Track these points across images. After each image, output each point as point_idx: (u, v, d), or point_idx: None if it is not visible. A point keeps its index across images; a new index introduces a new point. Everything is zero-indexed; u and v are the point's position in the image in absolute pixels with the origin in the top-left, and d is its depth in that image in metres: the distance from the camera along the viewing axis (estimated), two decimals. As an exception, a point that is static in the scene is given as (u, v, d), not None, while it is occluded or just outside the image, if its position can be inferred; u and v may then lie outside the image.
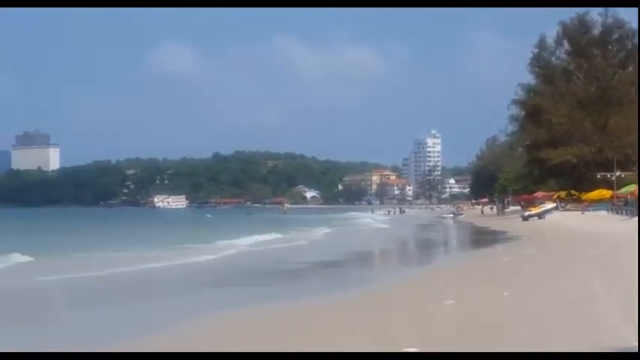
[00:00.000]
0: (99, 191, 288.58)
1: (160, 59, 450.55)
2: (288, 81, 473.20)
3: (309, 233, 62.09)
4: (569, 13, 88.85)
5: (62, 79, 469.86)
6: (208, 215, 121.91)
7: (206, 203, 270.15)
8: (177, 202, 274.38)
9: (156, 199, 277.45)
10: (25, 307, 20.67)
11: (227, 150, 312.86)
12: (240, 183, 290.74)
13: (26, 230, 69.02)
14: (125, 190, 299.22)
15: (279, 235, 55.70)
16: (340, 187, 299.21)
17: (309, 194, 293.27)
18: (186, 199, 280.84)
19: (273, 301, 20.10)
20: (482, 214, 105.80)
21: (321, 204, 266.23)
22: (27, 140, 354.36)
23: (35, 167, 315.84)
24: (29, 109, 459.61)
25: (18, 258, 32.19)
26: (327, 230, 67.37)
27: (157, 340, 14.22)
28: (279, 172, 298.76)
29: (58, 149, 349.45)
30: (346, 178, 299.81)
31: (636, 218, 46.70)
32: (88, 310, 20.11)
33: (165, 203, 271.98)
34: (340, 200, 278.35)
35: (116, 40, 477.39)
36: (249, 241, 47.80)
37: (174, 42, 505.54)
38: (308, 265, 32.09)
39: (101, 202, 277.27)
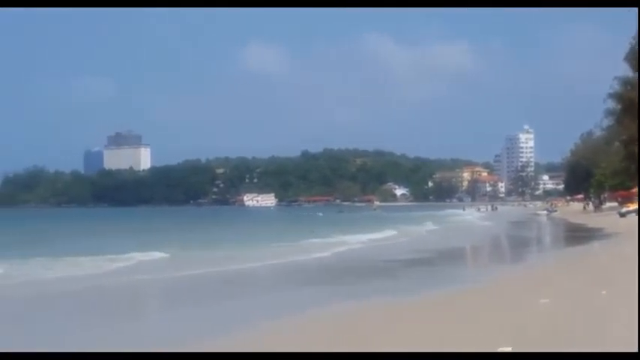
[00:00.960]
0: (189, 190, 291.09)
1: (249, 58, 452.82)
2: (377, 78, 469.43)
3: (415, 229, 64.45)
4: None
5: (153, 80, 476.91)
6: (320, 214, 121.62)
7: (295, 202, 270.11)
8: (266, 200, 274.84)
9: (245, 198, 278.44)
10: (165, 300, 22.91)
11: (316, 148, 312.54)
12: (328, 181, 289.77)
13: (140, 229, 70.87)
14: (215, 189, 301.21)
15: (393, 232, 57.66)
16: (430, 184, 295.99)
17: (398, 192, 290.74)
18: (275, 198, 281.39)
19: (386, 296, 20.75)
20: (584, 210, 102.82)
21: (410, 201, 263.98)
22: (119, 140, 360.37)
23: (127, 167, 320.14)
24: (121, 110, 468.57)
25: (157, 255, 35.80)
26: (432, 227, 69.26)
27: (249, 336, 14.57)
28: (369, 169, 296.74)
29: (149, 149, 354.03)
30: (436, 175, 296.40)
31: None
32: (215, 301, 21.39)
33: (255, 202, 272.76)
34: (430, 198, 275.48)
35: (205, 40, 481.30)
36: (364, 238, 49.38)
37: (262, 41, 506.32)
38: (422, 259, 34.12)
39: (191, 201, 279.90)
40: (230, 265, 30.75)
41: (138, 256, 34.21)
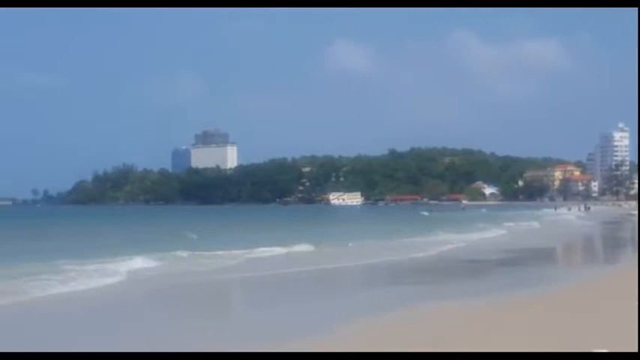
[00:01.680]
0: (275, 189, 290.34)
1: (335, 57, 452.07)
2: (465, 76, 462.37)
3: (521, 227, 64.55)
4: None
5: (240, 79, 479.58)
6: (425, 213, 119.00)
7: (381, 200, 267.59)
8: (352, 199, 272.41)
9: (331, 196, 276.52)
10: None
11: (403, 146, 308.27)
12: (416, 180, 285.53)
13: (262, 225, 75.43)
14: (301, 188, 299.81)
15: (502, 232, 56.54)
16: (520, 183, 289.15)
17: (487, 191, 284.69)
18: (361, 196, 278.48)
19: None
20: None
21: (499, 201, 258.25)
22: (206, 139, 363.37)
23: (214, 165, 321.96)
24: (209, 108, 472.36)
25: (304, 247, 38.01)
26: (537, 226, 68.32)
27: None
28: (457, 168, 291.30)
29: (235, 147, 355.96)
30: (527, 174, 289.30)
31: None
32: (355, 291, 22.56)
33: (341, 200, 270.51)
34: (520, 197, 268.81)
35: (292, 38, 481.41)
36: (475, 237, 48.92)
37: (350, 39, 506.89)
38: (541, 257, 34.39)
39: (277, 200, 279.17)
40: (372, 259, 32.12)
41: (290, 249, 36.71)
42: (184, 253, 33.12)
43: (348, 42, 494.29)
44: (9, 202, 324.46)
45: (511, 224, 67.41)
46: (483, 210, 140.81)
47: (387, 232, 53.43)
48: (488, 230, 56.98)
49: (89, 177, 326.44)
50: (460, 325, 14.77)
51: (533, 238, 47.92)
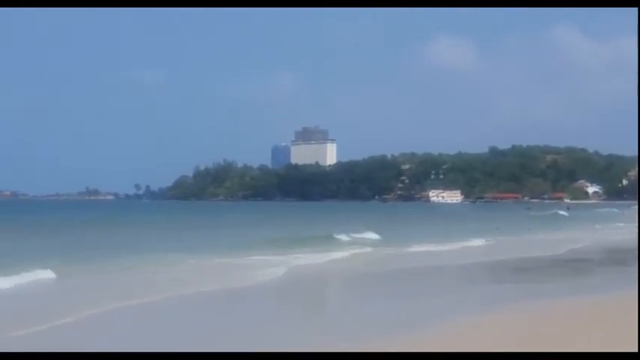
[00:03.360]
0: (374, 185, 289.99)
1: (435, 53, 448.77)
2: (567, 73, 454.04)
3: None
4: None
5: (339, 76, 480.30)
6: (562, 212, 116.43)
7: (481, 198, 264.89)
8: (452, 196, 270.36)
9: (431, 194, 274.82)
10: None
11: (504, 144, 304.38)
12: (517, 178, 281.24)
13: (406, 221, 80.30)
14: (399, 185, 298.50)
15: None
16: (625, 182, 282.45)
17: (590, 189, 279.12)
18: (461, 194, 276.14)
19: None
20: None
21: (602, 200, 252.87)
22: (306, 136, 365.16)
23: (313, 162, 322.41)
24: (308, 105, 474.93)
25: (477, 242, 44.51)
26: None
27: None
28: (559, 166, 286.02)
29: (334, 144, 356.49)
30: (632, 173, 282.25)
31: None
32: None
33: (440, 198, 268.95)
34: (624, 196, 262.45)
35: (392, 34, 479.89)
36: None
37: (450, 35, 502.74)
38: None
39: (376, 197, 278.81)
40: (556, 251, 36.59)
41: (471, 242, 42.72)
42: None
43: (451, 37, 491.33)
44: (111, 197, 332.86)
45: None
46: (615, 210, 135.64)
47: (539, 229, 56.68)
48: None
49: (190, 173, 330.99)
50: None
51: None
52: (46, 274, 24.01)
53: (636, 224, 58.12)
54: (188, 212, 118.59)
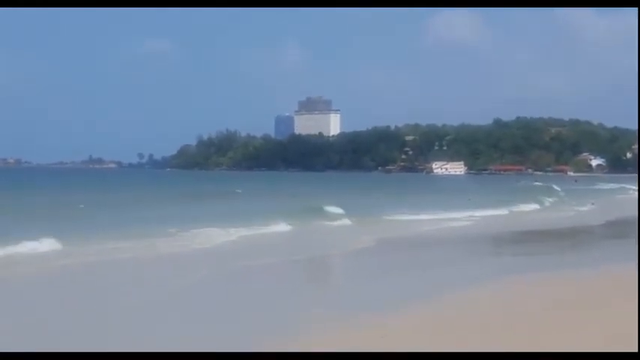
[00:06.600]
0: (377, 157, 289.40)
1: (441, 26, 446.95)
2: (572, 46, 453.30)
3: None
4: None
5: (343, 47, 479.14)
6: (575, 181, 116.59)
7: (485, 170, 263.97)
8: (455, 168, 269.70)
9: (434, 165, 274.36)
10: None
11: (508, 116, 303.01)
12: (520, 150, 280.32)
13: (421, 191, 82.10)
14: (403, 156, 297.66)
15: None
16: (629, 155, 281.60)
17: (594, 162, 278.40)
18: (464, 166, 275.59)
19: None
20: None
21: (606, 173, 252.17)
22: (309, 106, 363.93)
23: (316, 132, 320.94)
24: (312, 75, 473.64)
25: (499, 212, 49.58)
26: None
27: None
28: (563, 139, 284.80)
29: (338, 115, 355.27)
30: (636, 146, 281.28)
31: None
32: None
33: (444, 170, 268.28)
34: (629, 169, 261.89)
35: (396, 9, 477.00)
36: None
37: (454, 8, 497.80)
38: None
39: (379, 168, 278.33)
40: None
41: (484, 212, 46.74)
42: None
43: (455, 10, 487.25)
44: (113, 165, 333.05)
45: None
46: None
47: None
48: None
49: (193, 142, 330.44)
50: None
51: None
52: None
53: None
54: (198, 182, 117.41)
